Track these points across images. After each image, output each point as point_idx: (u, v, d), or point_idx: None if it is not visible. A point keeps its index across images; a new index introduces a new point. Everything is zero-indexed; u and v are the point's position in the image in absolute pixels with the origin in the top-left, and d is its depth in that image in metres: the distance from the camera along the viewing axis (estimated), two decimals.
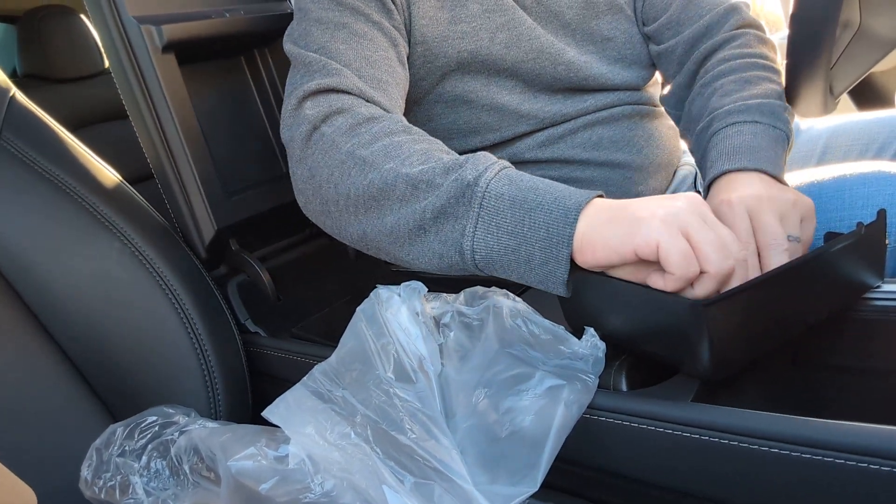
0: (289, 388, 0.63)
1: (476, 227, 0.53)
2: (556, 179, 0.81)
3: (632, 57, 0.86)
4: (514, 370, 0.51)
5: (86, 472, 0.58)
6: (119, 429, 0.60)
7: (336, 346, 0.70)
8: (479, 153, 0.57)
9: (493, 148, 0.82)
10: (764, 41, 0.80)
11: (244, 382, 0.78)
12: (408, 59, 0.77)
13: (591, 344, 0.53)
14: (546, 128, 0.82)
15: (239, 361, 0.78)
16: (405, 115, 0.80)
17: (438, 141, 0.63)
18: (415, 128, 0.64)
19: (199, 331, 0.74)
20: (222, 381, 0.75)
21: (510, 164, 0.57)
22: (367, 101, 0.66)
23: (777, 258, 0.54)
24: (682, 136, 0.83)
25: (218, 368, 0.75)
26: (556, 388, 0.50)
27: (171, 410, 0.62)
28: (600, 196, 0.53)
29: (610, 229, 0.49)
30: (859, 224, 0.55)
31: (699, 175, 0.91)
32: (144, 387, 0.73)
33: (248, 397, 0.79)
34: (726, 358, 0.48)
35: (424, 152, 0.59)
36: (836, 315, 0.57)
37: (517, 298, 0.54)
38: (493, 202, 0.53)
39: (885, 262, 0.59)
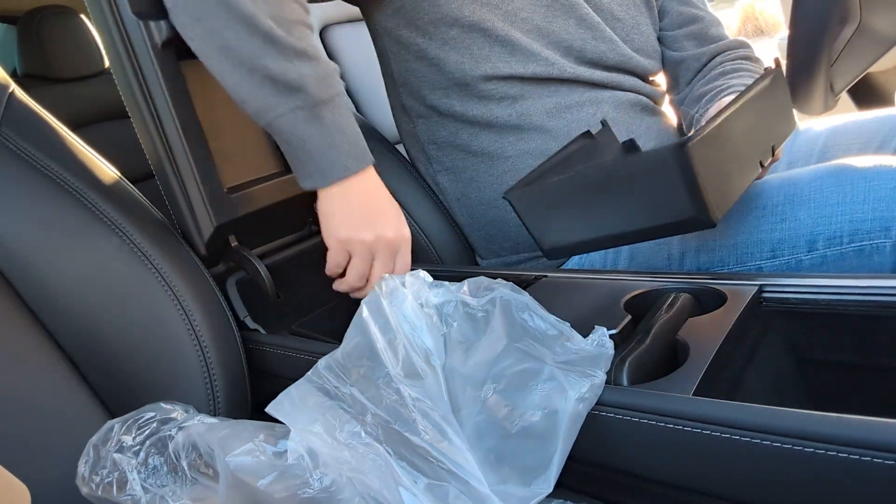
0: (288, 385, 0.63)
1: (287, 115, 0.66)
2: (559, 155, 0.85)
3: (638, 42, 0.91)
4: (523, 365, 0.50)
5: (83, 468, 0.57)
6: (116, 425, 0.59)
7: (335, 343, 0.70)
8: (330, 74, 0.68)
9: (504, 79, 0.85)
10: None
11: (243, 380, 0.78)
12: None
13: (599, 342, 0.52)
14: (554, 79, 0.84)
15: (238, 358, 0.78)
16: (421, 34, 0.84)
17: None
18: None
19: (198, 327, 0.74)
20: (221, 378, 0.74)
21: (343, 93, 0.70)
22: None
23: None
24: (683, 114, 0.95)
25: (217, 365, 0.74)
26: (565, 385, 0.49)
27: (169, 406, 0.62)
28: (371, 167, 0.71)
29: (331, 215, 0.70)
30: (767, 68, 0.64)
31: None
32: (142, 383, 0.72)
33: (247, 394, 0.78)
34: (718, 195, 0.52)
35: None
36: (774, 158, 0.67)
37: (523, 292, 0.54)
38: (311, 115, 0.66)
39: (792, 108, 0.71)
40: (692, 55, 0.95)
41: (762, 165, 0.61)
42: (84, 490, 0.57)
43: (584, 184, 0.57)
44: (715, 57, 0.95)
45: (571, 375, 0.49)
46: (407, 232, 0.71)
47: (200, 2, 0.65)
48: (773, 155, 0.65)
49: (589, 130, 0.77)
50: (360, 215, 0.69)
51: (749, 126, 0.59)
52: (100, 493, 0.56)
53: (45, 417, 0.69)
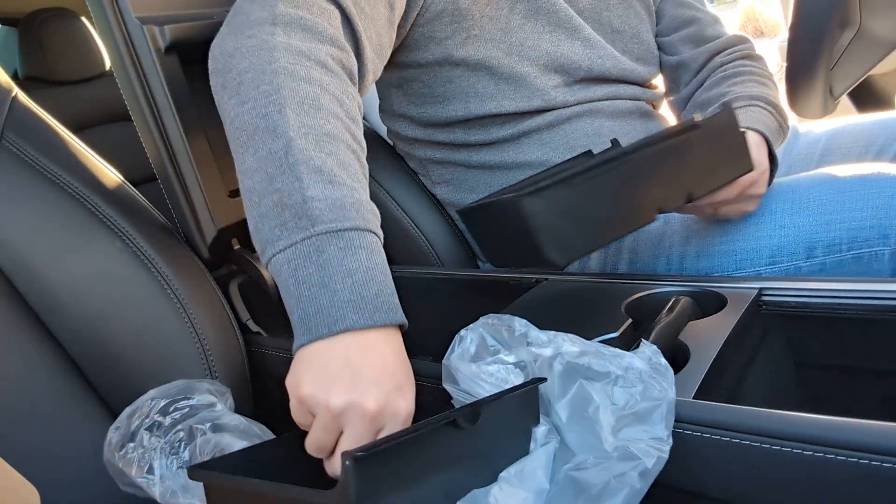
0: None
1: (286, 250, 0.52)
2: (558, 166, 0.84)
3: (637, 52, 0.90)
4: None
5: (112, 434, 0.57)
6: (155, 399, 0.59)
7: None
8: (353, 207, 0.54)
9: (506, 116, 0.85)
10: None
11: (246, 382, 0.78)
12: (436, 16, 0.79)
13: (653, 361, 0.48)
14: (555, 108, 0.85)
15: (240, 361, 0.78)
16: (425, 72, 0.84)
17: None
18: (346, 102, 0.60)
19: (200, 330, 0.74)
20: (223, 381, 0.74)
21: (367, 230, 0.54)
22: (340, 27, 0.63)
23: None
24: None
25: (219, 368, 0.75)
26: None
27: (206, 385, 0.61)
28: (391, 327, 0.52)
29: (305, 361, 0.51)
30: (690, 118, 0.62)
31: None
32: (145, 386, 0.72)
33: (250, 397, 0.79)
34: (564, 244, 0.55)
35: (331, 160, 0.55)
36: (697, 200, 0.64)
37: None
38: (311, 250, 0.51)
39: (747, 151, 0.66)
40: (689, 56, 0.94)
41: (663, 211, 0.60)
42: (107, 455, 0.56)
43: (495, 214, 0.61)
44: (714, 57, 0.93)
45: (630, 457, 0.44)
46: (404, 407, 0.50)
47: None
48: (687, 202, 0.62)
49: (590, 150, 0.76)
50: (338, 373, 0.49)
51: (635, 179, 0.58)
52: (120, 465, 0.56)
53: (50, 420, 0.70)
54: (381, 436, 0.49)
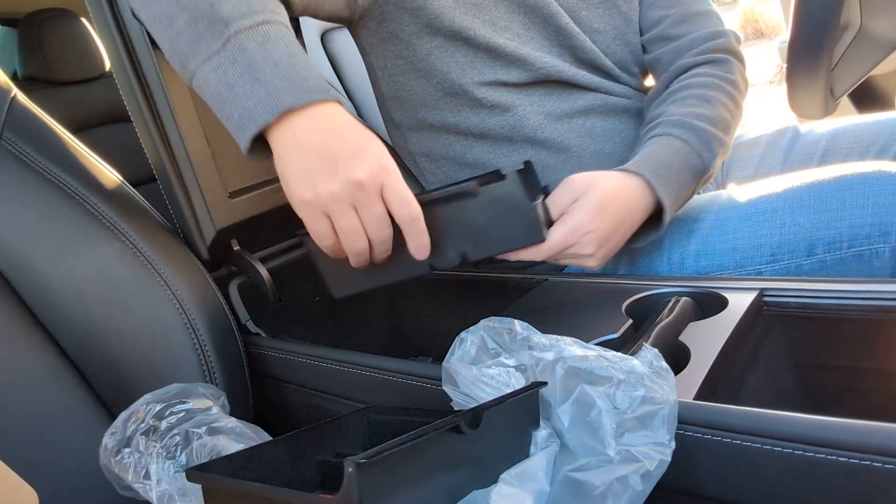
0: (289, 389, 0.62)
1: (209, 60, 0.57)
2: (554, 165, 0.83)
3: (621, 54, 0.89)
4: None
5: (108, 439, 0.57)
6: (150, 404, 0.59)
7: (335, 348, 0.69)
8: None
9: (491, 85, 0.83)
10: (742, 73, 0.86)
11: (245, 383, 0.78)
12: None
13: (655, 365, 0.47)
14: (541, 81, 0.83)
15: (240, 362, 0.78)
16: (405, 46, 0.83)
17: None
18: None
19: (199, 331, 0.74)
20: (223, 382, 0.74)
21: (277, 21, 0.59)
22: None
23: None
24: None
25: (219, 369, 0.74)
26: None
27: (202, 391, 0.61)
28: (330, 102, 0.57)
29: (284, 169, 0.57)
30: (468, 183, 0.61)
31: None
32: (144, 387, 0.72)
33: (249, 398, 0.78)
34: (338, 282, 0.64)
35: None
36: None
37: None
38: (234, 52, 0.56)
39: (537, 222, 0.63)
40: (655, 56, 0.90)
41: (436, 269, 0.62)
42: (103, 460, 0.57)
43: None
44: (678, 58, 0.87)
45: (632, 460, 0.43)
46: (385, 162, 0.57)
47: None
48: (464, 263, 0.62)
49: (498, 170, 0.68)
50: (317, 162, 0.55)
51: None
52: (117, 470, 0.56)
53: (49, 421, 0.70)
54: (386, 191, 0.57)
